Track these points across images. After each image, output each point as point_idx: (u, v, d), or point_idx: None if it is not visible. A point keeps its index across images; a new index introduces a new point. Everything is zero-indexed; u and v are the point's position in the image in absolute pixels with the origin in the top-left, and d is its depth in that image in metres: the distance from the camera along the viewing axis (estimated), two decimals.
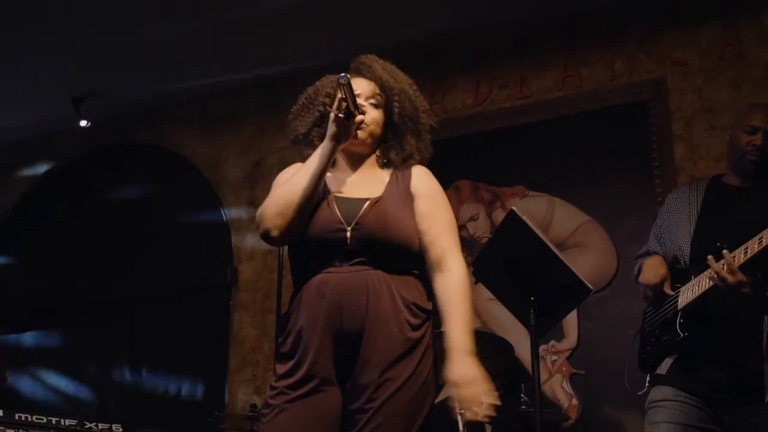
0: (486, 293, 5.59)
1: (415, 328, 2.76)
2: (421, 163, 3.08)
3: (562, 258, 3.48)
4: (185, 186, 7.29)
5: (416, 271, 2.90)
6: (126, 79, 7.07)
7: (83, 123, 7.29)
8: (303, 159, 2.96)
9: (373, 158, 3.04)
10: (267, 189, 6.85)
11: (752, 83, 5.55)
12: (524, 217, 3.46)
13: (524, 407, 4.71)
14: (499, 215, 6.03)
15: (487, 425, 4.94)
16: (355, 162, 3.02)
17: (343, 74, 2.74)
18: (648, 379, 3.85)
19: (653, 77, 5.86)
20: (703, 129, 5.60)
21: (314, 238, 2.82)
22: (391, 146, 3.04)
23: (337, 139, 2.84)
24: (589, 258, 5.63)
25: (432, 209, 2.94)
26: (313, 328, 2.73)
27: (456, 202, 6.15)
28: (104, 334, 7.23)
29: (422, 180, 3.01)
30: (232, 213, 7.01)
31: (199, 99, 7.30)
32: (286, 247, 3.08)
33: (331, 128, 2.84)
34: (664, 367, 3.74)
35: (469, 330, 2.77)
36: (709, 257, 3.48)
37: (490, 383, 2.71)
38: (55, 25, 6.36)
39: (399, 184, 2.97)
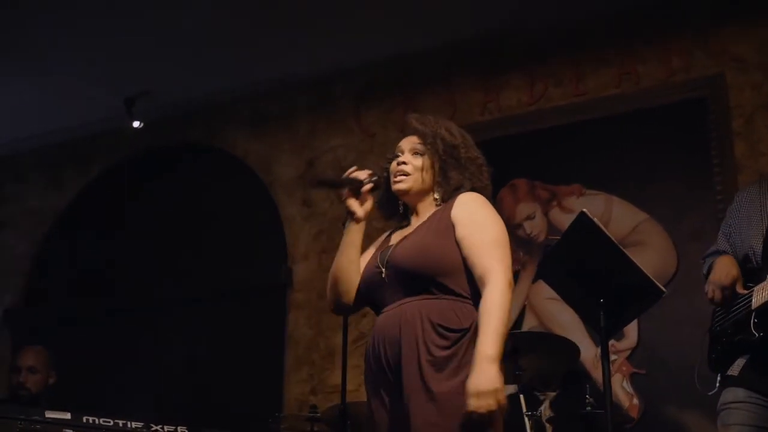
0: (544, 292, 5.62)
1: (443, 348, 2.93)
2: (479, 190, 3.24)
3: (633, 260, 3.45)
4: (238, 186, 7.31)
5: (461, 292, 3.03)
6: (178, 79, 7.10)
7: (136, 124, 7.31)
8: None
9: (431, 203, 3.25)
10: (321, 189, 6.86)
11: None
12: (595, 220, 3.44)
13: (589, 408, 4.68)
14: (556, 214, 6.00)
15: (548, 424, 4.95)
16: (417, 211, 3.27)
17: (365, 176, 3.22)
18: (719, 379, 3.81)
19: (711, 73, 5.80)
20: (763, 125, 5.54)
21: (362, 285, 3.19)
22: (439, 184, 3.23)
23: (351, 215, 3.20)
24: (648, 257, 5.56)
25: (470, 233, 3.05)
26: (372, 362, 3.07)
27: (512, 201, 6.13)
28: (158, 335, 7.25)
29: (462, 206, 3.13)
30: (285, 212, 7.01)
31: (252, 98, 7.31)
32: None
33: (346, 207, 3.23)
34: (736, 368, 3.70)
35: (497, 337, 2.83)
36: None
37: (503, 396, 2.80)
38: (105, 24, 6.39)
39: (440, 216, 3.15)
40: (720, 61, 5.80)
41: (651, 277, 3.43)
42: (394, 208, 3.32)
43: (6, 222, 8.20)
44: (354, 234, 3.18)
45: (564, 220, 5.79)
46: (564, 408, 5.20)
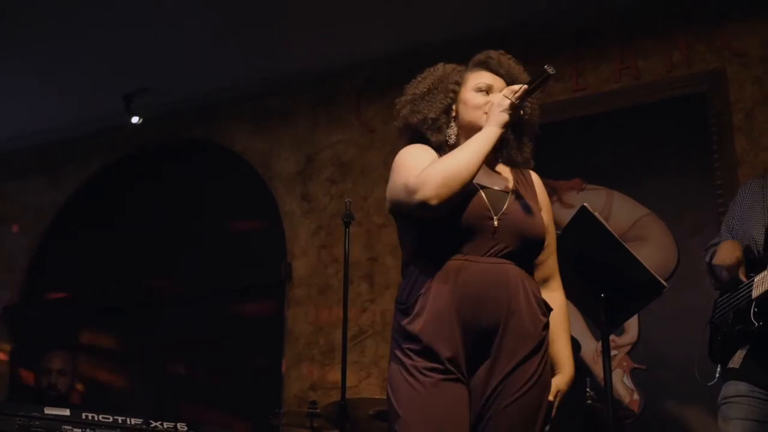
0: None
1: (545, 326, 2.82)
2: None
3: (635, 255, 3.44)
4: (238, 182, 7.30)
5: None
6: (177, 76, 7.08)
7: (135, 120, 7.31)
8: (417, 141, 2.99)
9: (495, 155, 2.99)
10: (320, 184, 6.91)
11: None
12: (596, 214, 3.43)
13: (590, 402, 4.67)
14: (557, 209, 5.95)
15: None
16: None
17: (549, 65, 2.78)
18: (719, 370, 3.81)
19: (712, 68, 5.79)
20: (764, 120, 5.53)
21: (460, 223, 2.79)
22: (512, 146, 3.03)
23: (506, 127, 2.85)
24: (649, 251, 5.55)
25: (551, 225, 3.03)
26: (448, 316, 2.73)
27: None
28: (158, 332, 7.25)
29: (544, 192, 3.08)
30: (285, 208, 7.00)
31: (252, 94, 7.30)
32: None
33: (503, 116, 2.83)
34: (737, 360, 3.71)
35: (571, 352, 3.00)
36: None
37: None
38: (105, 21, 6.39)
39: (526, 186, 3.01)
40: (721, 56, 5.79)
41: (653, 272, 3.43)
42: (442, 136, 2.99)
43: (5, 218, 8.19)
44: (494, 145, 2.83)
45: (564, 215, 5.71)
46: (564, 402, 5.18)
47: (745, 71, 5.68)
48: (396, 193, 2.85)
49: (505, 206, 2.83)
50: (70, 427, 4.03)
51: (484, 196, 2.83)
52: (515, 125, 2.94)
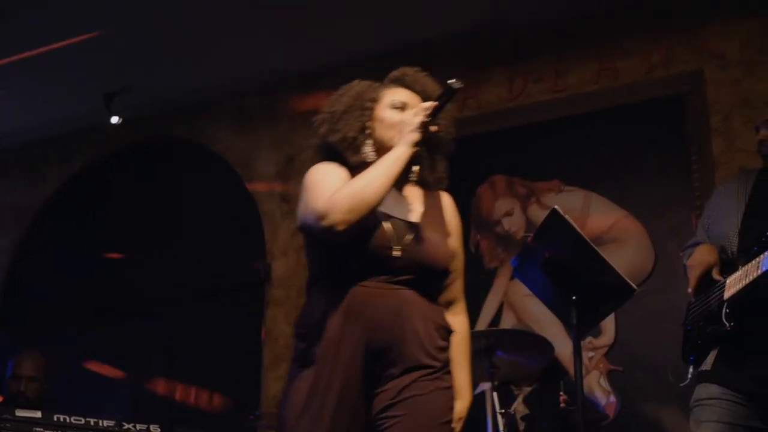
0: (523, 288, 5.61)
1: (443, 350, 2.84)
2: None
3: (605, 258, 3.44)
4: (218, 182, 7.29)
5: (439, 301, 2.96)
6: (159, 76, 7.06)
7: (114, 119, 7.28)
8: (330, 160, 2.97)
9: (406, 175, 2.98)
10: (300, 185, 6.88)
11: None
12: (566, 217, 3.43)
13: (564, 405, 4.68)
14: (535, 210, 6.00)
15: (521, 421, 4.95)
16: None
17: (454, 79, 2.78)
18: (691, 371, 3.81)
19: (691, 70, 5.80)
20: (741, 123, 5.53)
21: (363, 252, 2.80)
22: (424, 164, 3.02)
23: (416, 146, 2.84)
24: (626, 253, 5.58)
25: (458, 249, 3.04)
26: (344, 339, 2.75)
27: (491, 197, 6.13)
28: (136, 333, 7.23)
29: (454, 215, 3.08)
30: (264, 209, 6.99)
31: (233, 95, 7.29)
32: None
33: (413, 135, 2.83)
34: (709, 362, 3.70)
35: (471, 379, 3.02)
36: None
37: None
38: (85, 20, 6.36)
39: (435, 210, 3.01)
40: (699, 58, 5.80)
41: (622, 275, 3.43)
42: (359, 157, 2.98)
43: None
44: (404, 165, 2.83)
45: (542, 217, 5.72)
46: (538, 405, 5.20)
47: (723, 73, 5.69)
48: (304, 216, 2.84)
49: (407, 237, 2.85)
50: (41, 429, 4.01)
51: (388, 227, 2.84)
52: (428, 143, 2.94)
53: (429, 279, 2.86)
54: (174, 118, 7.58)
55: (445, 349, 2.84)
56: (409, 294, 2.80)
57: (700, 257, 3.82)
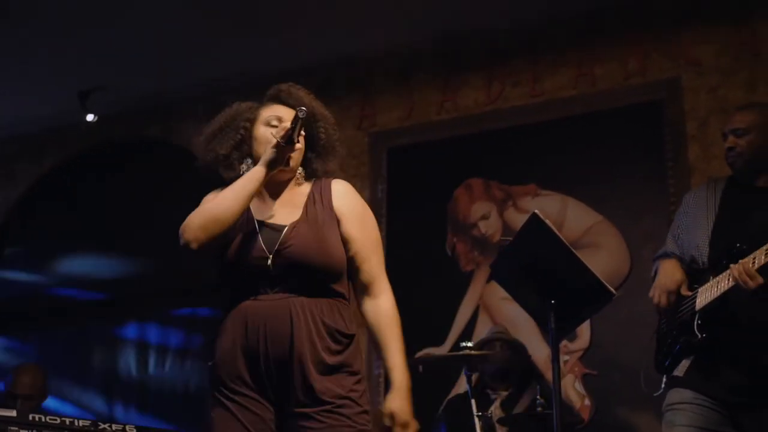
0: (499, 292, 5.63)
1: (335, 353, 2.83)
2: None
3: (583, 262, 3.45)
4: (194, 182, 7.23)
5: (343, 293, 2.95)
6: (134, 74, 7.03)
7: (90, 117, 7.23)
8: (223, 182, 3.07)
9: (292, 180, 3.07)
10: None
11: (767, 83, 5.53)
12: (547, 221, 3.44)
13: (540, 408, 4.69)
14: (511, 214, 6.01)
15: (498, 424, 4.96)
16: (276, 187, 3.03)
17: (302, 108, 2.87)
18: (665, 380, 3.83)
19: (667, 77, 5.84)
20: (717, 129, 5.52)
21: (238, 266, 2.88)
22: (316, 165, 3.10)
23: (273, 165, 2.91)
24: (601, 258, 5.61)
25: (358, 232, 2.99)
26: (239, 355, 2.81)
27: (467, 200, 6.13)
28: (113, 333, 7.20)
29: (345, 199, 3.05)
30: None
31: (210, 94, 7.25)
32: None
33: (270, 154, 2.91)
34: (681, 369, 3.73)
35: (404, 360, 2.88)
36: (732, 266, 3.48)
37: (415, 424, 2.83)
38: (60, 17, 6.32)
39: (320, 203, 3.01)
40: (676, 65, 5.84)
41: (601, 279, 3.44)
42: (234, 173, 3.07)
43: None
44: (262, 183, 2.91)
45: (519, 220, 5.78)
46: (514, 408, 5.21)
47: (699, 80, 5.74)
48: None
49: (278, 243, 2.87)
50: (16, 428, 3.95)
51: (260, 237, 2.90)
52: (314, 149, 3.08)
53: (313, 278, 2.86)
54: (148, 118, 7.54)
55: (339, 351, 2.83)
56: (294, 301, 2.83)
57: (668, 278, 3.85)
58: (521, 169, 6.07)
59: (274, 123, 3.03)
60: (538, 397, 4.73)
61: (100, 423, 4.21)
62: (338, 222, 2.97)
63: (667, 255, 3.98)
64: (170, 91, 7.25)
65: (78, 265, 7.53)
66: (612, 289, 3.43)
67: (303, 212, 2.97)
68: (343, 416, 2.74)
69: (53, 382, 6.10)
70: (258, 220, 2.94)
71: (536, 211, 3.47)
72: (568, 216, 5.84)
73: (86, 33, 6.48)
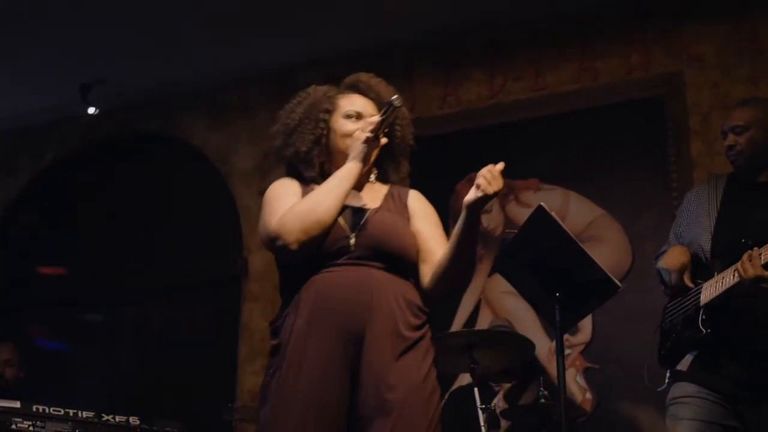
0: (500, 285, 5.65)
1: (416, 328, 2.83)
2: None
3: (590, 255, 3.45)
4: (195, 176, 7.26)
5: (414, 281, 2.97)
6: (136, 68, 7.03)
7: (91, 110, 7.23)
8: (290, 175, 3.03)
9: (367, 176, 3.06)
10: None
11: None
12: (552, 214, 3.44)
13: (543, 400, 4.70)
14: (513, 208, 6.02)
15: (502, 417, 4.97)
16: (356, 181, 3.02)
17: (396, 96, 2.86)
18: (668, 374, 3.84)
19: (670, 72, 5.85)
20: (719, 124, 5.54)
21: (320, 248, 2.84)
22: (388, 165, 3.11)
23: (365, 160, 2.92)
24: (603, 252, 5.59)
25: (428, 229, 3.03)
26: (316, 327, 2.76)
27: None
28: (113, 325, 7.21)
29: (419, 202, 3.10)
30: (242, 203, 6.97)
31: (210, 88, 7.26)
32: None
33: (362, 149, 2.92)
34: (685, 363, 3.74)
35: None
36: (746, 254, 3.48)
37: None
38: (62, 11, 6.32)
39: (396, 200, 3.05)
40: (679, 60, 5.85)
41: (607, 272, 3.44)
42: (313, 171, 3.03)
43: None
44: (355, 180, 2.92)
45: (521, 215, 5.81)
46: (518, 400, 5.22)
47: (702, 75, 5.75)
48: (261, 236, 2.94)
49: (362, 223, 2.89)
50: (20, 420, 3.98)
51: (342, 219, 2.89)
52: (388, 148, 3.04)
53: (391, 261, 2.87)
54: (150, 112, 7.54)
55: (419, 327, 2.84)
56: (374, 271, 2.83)
57: (674, 259, 3.85)
58: (523, 163, 6.05)
59: (354, 116, 3.04)
60: (541, 389, 4.74)
61: (103, 414, 4.22)
62: (408, 220, 3.01)
63: None
64: (171, 85, 7.25)
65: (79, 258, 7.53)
66: (618, 282, 3.43)
67: (382, 203, 3.00)
68: (413, 413, 2.71)
69: None
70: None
71: (542, 203, 3.47)
72: (570, 210, 5.85)
73: (87, 27, 6.48)
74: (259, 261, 6.73)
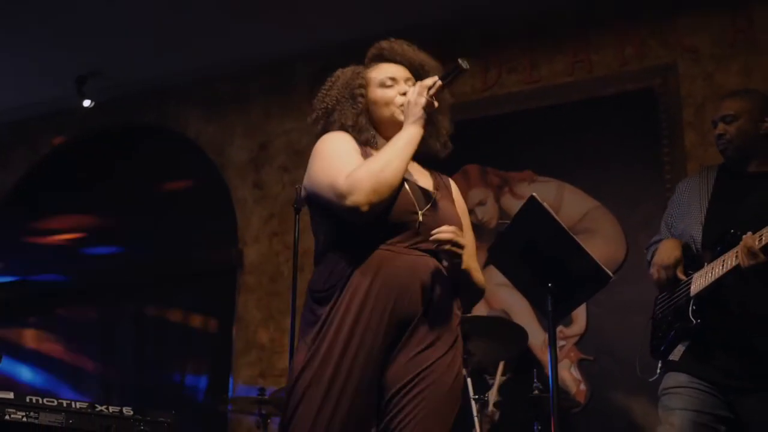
0: (495, 277, 5.60)
1: (459, 322, 2.87)
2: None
3: (581, 245, 3.45)
4: (190, 168, 7.26)
5: None
6: (131, 60, 7.03)
7: (87, 103, 7.25)
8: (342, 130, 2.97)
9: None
10: (273, 171, 6.86)
11: (763, 69, 5.56)
12: (544, 204, 3.44)
13: (536, 392, 4.71)
14: (508, 200, 6.03)
15: (495, 408, 4.98)
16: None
17: (463, 59, 2.84)
18: (660, 365, 3.85)
19: (664, 63, 5.86)
20: (713, 116, 5.58)
21: (386, 216, 2.79)
22: (429, 134, 3.02)
23: (426, 124, 2.88)
24: (597, 244, 5.60)
25: (468, 229, 3.06)
26: (370, 308, 2.73)
27: (464, 187, 6.13)
28: (107, 316, 7.21)
29: (461, 198, 3.13)
30: (237, 195, 6.97)
31: (206, 80, 7.26)
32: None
33: (423, 114, 2.87)
34: (677, 354, 3.75)
35: None
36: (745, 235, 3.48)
37: None
38: (57, 3, 6.34)
39: (443, 188, 3.04)
40: (673, 51, 5.85)
41: (599, 262, 3.44)
42: (366, 134, 2.99)
43: None
44: (417, 144, 2.87)
45: (515, 207, 5.76)
46: (512, 392, 5.23)
47: (696, 67, 5.75)
48: (322, 191, 2.82)
49: (430, 203, 2.88)
50: (14, 410, 3.97)
51: (410, 191, 2.85)
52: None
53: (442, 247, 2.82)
54: (145, 104, 7.54)
55: (458, 316, 2.86)
56: (431, 261, 2.81)
57: (666, 254, 3.86)
58: (518, 155, 6.08)
59: (389, 83, 3.00)
60: (535, 380, 4.75)
61: (96, 405, 4.22)
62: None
63: (660, 242, 4.00)
64: (166, 77, 7.25)
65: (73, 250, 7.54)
66: (609, 273, 3.44)
67: (435, 187, 2.99)
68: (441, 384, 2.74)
69: None
70: (405, 178, 2.87)
71: (534, 194, 3.48)
72: (565, 202, 5.85)
73: (82, 19, 6.47)
74: (254, 253, 6.74)
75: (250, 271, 6.73)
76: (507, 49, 6.31)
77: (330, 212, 2.82)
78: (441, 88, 2.87)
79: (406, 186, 2.85)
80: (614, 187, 5.78)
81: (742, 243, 3.47)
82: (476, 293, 3.06)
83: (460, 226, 2.90)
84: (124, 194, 7.42)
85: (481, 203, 6.09)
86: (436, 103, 2.89)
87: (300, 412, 2.69)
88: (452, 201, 3.04)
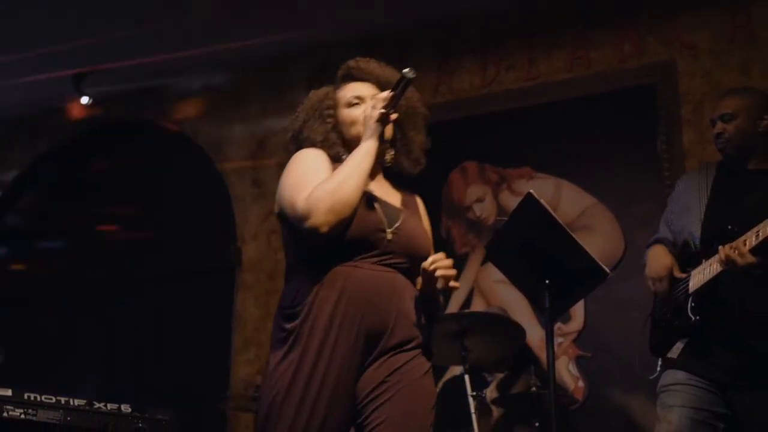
0: (493, 274, 5.66)
1: (422, 336, 2.87)
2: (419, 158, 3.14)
3: (578, 242, 3.46)
4: (188, 165, 7.26)
5: None
6: (127, 57, 7.02)
7: (84, 100, 7.25)
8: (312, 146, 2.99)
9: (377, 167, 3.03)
10: (271, 168, 6.86)
11: (762, 66, 5.54)
12: (542, 201, 3.44)
13: (534, 389, 4.71)
14: (506, 197, 6.02)
15: (493, 405, 4.99)
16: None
17: (408, 69, 2.83)
18: (660, 362, 3.85)
19: (662, 60, 5.84)
20: (712, 113, 5.56)
21: (353, 234, 2.81)
22: (399, 151, 3.07)
23: (381, 138, 2.90)
24: (595, 241, 5.60)
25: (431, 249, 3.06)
26: (339, 322, 2.76)
27: (462, 184, 6.14)
28: (105, 314, 7.21)
29: (426, 217, 3.13)
30: (235, 193, 6.97)
31: (203, 78, 7.26)
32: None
33: (376, 127, 2.88)
34: (675, 351, 3.76)
35: None
36: (720, 247, 3.49)
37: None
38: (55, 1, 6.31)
39: (411, 205, 3.08)
40: (671, 48, 5.84)
41: (596, 259, 3.44)
42: (334, 150, 3.01)
43: None
44: (375, 157, 2.89)
45: (513, 203, 5.70)
46: (510, 389, 5.23)
47: (694, 64, 5.74)
48: (286, 211, 2.86)
49: (399, 222, 2.90)
50: (12, 407, 3.97)
51: (379, 209, 2.89)
52: (400, 123, 3.01)
53: (415, 266, 2.87)
54: (143, 101, 7.53)
55: (423, 334, 2.87)
56: (397, 276, 2.85)
57: (656, 265, 3.87)
58: (516, 152, 6.07)
59: (355, 101, 3.03)
60: (533, 377, 4.76)
61: (95, 402, 4.22)
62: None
63: (658, 241, 4.01)
64: (164, 75, 7.24)
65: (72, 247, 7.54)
66: (606, 269, 3.44)
67: (404, 204, 3.03)
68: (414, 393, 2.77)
69: None
70: (370, 193, 2.90)
71: (531, 191, 3.48)
72: (563, 199, 5.85)
73: (80, 16, 6.46)
74: (253, 250, 6.74)
75: (249, 268, 6.73)
76: (505, 46, 6.31)
77: (296, 230, 2.84)
78: (392, 99, 2.86)
79: (376, 205, 2.88)
80: (612, 184, 5.78)
81: (724, 247, 3.48)
82: (439, 309, 3.07)
83: (429, 243, 2.99)
84: (123, 192, 7.41)
85: (479, 200, 6.09)
86: (393, 116, 2.90)
87: (274, 426, 2.73)
88: (420, 218, 3.07)
